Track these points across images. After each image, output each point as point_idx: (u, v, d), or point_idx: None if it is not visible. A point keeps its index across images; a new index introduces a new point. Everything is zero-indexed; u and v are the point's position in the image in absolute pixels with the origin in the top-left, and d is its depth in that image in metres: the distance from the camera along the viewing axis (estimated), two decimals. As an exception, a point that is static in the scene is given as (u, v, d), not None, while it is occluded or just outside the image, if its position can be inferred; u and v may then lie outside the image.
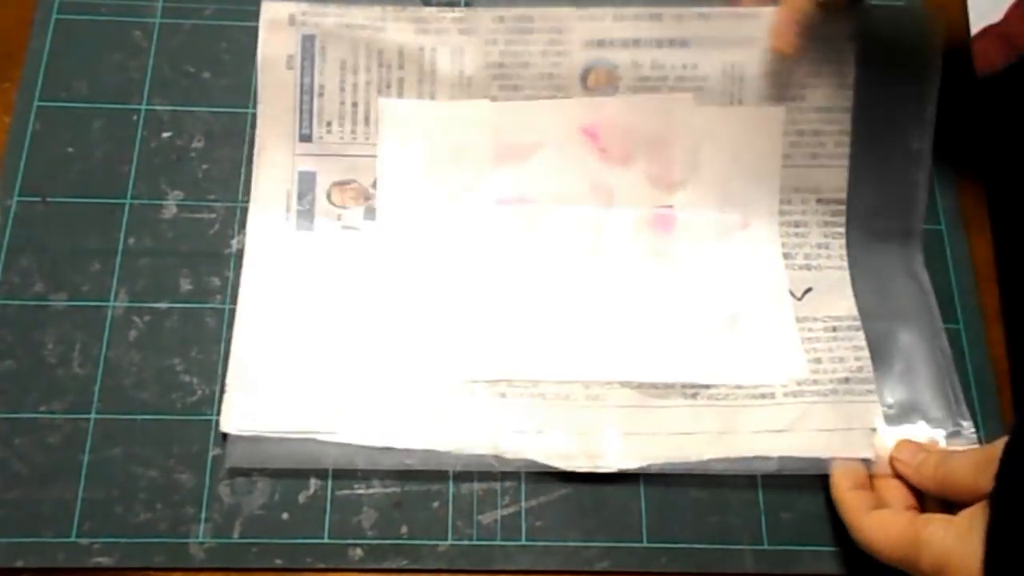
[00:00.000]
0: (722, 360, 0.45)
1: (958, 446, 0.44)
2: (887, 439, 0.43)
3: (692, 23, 0.47)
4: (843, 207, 0.48)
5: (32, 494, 0.42)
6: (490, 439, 0.43)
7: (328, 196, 0.47)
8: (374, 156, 0.47)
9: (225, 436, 0.43)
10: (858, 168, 0.48)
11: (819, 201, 0.48)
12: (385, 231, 0.47)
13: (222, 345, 0.45)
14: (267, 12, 0.47)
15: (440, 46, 0.47)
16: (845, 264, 0.48)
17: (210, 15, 0.51)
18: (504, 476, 0.44)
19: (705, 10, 0.47)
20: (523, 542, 0.43)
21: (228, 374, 0.44)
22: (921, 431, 0.44)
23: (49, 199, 0.47)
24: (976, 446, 0.44)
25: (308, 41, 0.47)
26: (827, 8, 0.45)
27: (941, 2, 0.54)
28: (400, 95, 0.47)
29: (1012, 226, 0.50)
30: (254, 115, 0.49)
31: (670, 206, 0.48)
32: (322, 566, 0.42)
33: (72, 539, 0.41)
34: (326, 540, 0.42)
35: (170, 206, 0.47)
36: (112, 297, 0.45)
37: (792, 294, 0.47)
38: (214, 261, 0.46)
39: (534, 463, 0.43)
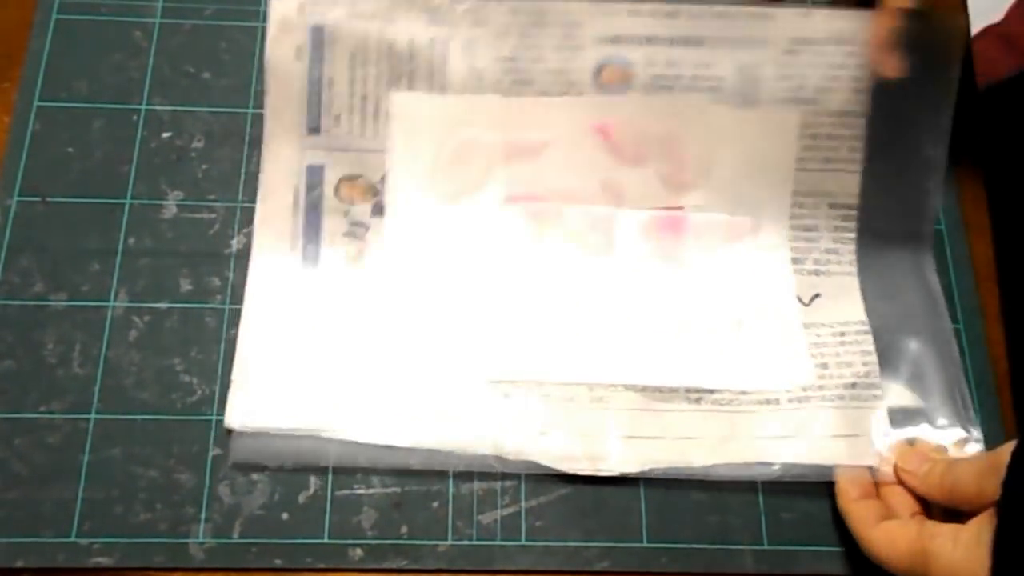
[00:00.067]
0: (727, 365, 0.45)
1: (965, 453, 0.43)
2: (893, 445, 0.43)
3: (708, 22, 0.46)
4: (854, 212, 0.47)
5: (32, 494, 0.42)
6: (492, 439, 0.43)
7: (336, 191, 0.47)
8: (383, 151, 0.47)
9: (229, 432, 0.43)
10: (871, 173, 0.47)
11: (831, 206, 0.48)
12: (392, 228, 0.47)
13: (222, 345, 0.45)
14: (276, 2, 0.46)
15: (451, 39, 0.46)
16: (855, 270, 0.47)
17: (210, 15, 0.51)
18: (504, 476, 0.43)
19: (722, 8, 0.46)
20: (523, 542, 0.43)
21: (233, 370, 0.44)
22: (928, 437, 0.44)
23: (49, 199, 0.47)
24: (982, 451, 0.43)
25: (317, 32, 0.46)
26: (924, 18, 0.44)
27: (941, 2, 0.54)
28: (410, 88, 0.47)
29: (1012, 226, 0.50)
30: (254, 115, 0.49)
31: (680, 207, 0.48)
32: (322, 566, 0.42)
33: (72, 539, 0.41)
34: (326, 540, 0.42)
35: (170, 206, 0.47)
36: (112, 297, 0.45)
37: (800, 299, 0.47)
38: (214, 261, 0.46)
39: (536, 464, 0.43)
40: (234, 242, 0.47)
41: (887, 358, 0.46)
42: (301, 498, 0.43)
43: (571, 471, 0.43)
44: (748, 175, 0.47)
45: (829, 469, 0.43)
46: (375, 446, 0.43)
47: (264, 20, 0.51)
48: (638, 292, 0.47)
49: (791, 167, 0.47)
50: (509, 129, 0.47)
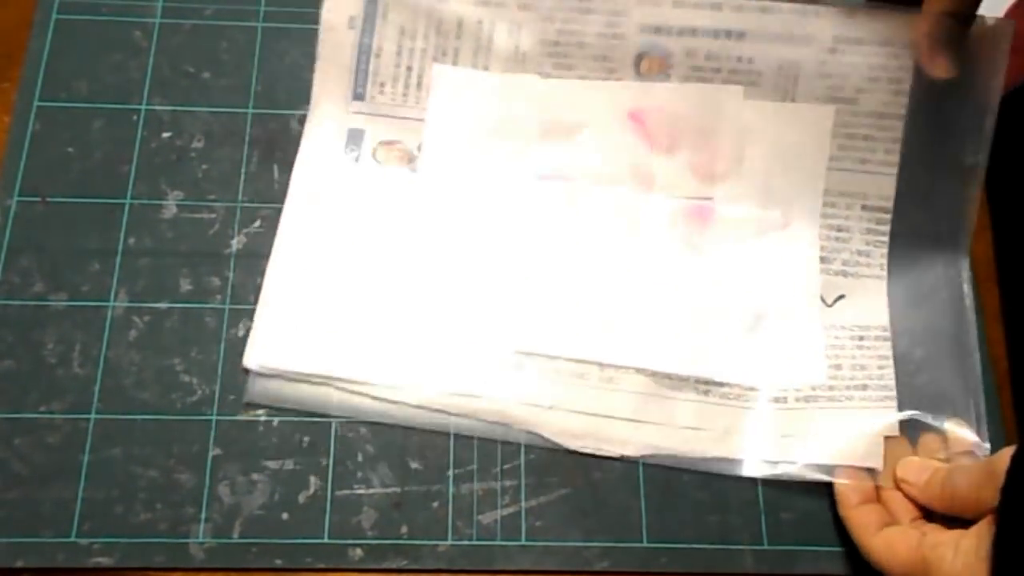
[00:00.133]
0: (741, 359, 0.45)
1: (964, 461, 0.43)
2: (895, 453, 0.43)
3: (751, 16, 0.46)
4: (888, 216, 0.47)
5: (32, 494, 0.42)
6: (500, 408, 0.44)
7: (373, 154, 0.48)
8: (422, 120, 0.48)
9: (246, 371, 0.44)
10: (908, 178, 0.47)
11: (864, 208, 0.47)
12: (426, 185, 0.47)
13: (222, 345, 0.45)
14: None
15: (499, 20, 0.48)
16: (884, 273, 0.47)
17: (210, 15, 0.51)
18: (504, 476, 0.44)
19: (766, 3, 0.46)
20: (523, 542, 0.43)
21: (256, 311, 0.45)
22: (934, 445, 0.43)
23: (49, 199, 0.47)
24: (980, 458, 0.43)
25: (372, 3, 0.48)
26: (968, 21, 0.43)
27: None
28: (455, 64, 0.48)
29: (1012, 226, 0.50)
30: (254, 115, 0.49)
31: (710, 198, 0.48)
32: (322, 566, 0.42)
33: (72, 539, 0.41)
34: (326, 540, 0.42)
35: (170, 206, 0.47)
36: (112, 297, 0.45)
37: (823, 300, 0.46)
38: (214, 261, 0.46)
39: (539, 437, 0.43)
40: (234, 242, 0.47)
41: (906, 364, 0.45)
42: (301, 498, 0.43)
43: (573, 448, 0.43)
44: (779, 170, 0.47)
45: (831, 470, 0.43)
46: (383, 400, 0.44)
47: (263, 20, 0.51)
48: (660, 278, 0.46)
49: (824, 165, 0.47)
50: (546, 109, 0.48)
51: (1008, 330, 0.48)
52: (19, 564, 0.41)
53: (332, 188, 0.47)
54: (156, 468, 0.43)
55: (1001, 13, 0.67)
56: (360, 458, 0.43)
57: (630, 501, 0.44)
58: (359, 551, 0.42)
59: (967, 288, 0.47)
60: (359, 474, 0.43)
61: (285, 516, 0.42)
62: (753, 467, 0.43)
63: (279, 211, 0.47)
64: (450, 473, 0.43)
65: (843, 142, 0.47)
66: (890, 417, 0.44)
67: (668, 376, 0.45)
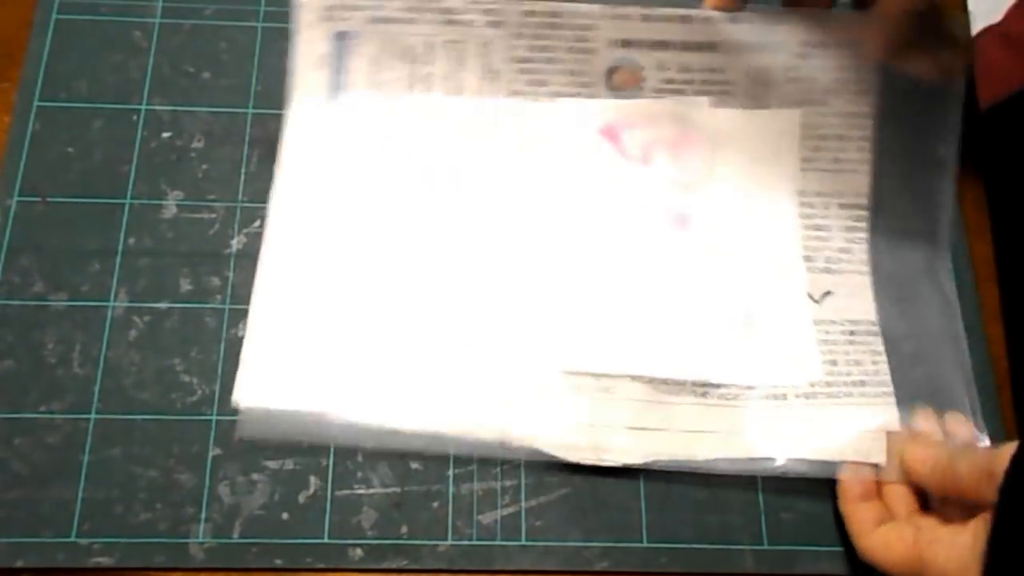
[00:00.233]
0: (735, 360, 0.45)
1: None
2: (898, 441, 0.43)
3: (721, 27, 0.47)
4: (866, 212, 0.48)
5: (32, 494, 0.42)
6: (497, 426, 0.43)
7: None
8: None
9: (236, 410, 0.43)
10: (882, 174, 0.48)
11: (841, 206, 0.48)
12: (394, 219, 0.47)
13: (222, 345, 0.45)
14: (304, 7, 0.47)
15: (469, 40, 0.48)
16: (867, 269, 0.47)
17: (210, 15, 0.51)
18: (504, 476, 0.44)
19: (735, 13, 0.47)
20: (523, 542, 0.43)
21: (243, 348, 0.44)
22: (934, 436, 0.43)
23: (49, 199, 0.47)
24: (985, 448, 0.43)
25: (340, 41, 0.47)
26: (930, 18, 0.44)
27: (941, 2, 0.53)
28: (428, 91, 0.48)
29: (1012, 226, 0.50)
30: (254, 115, 0.49)
31: (689, 207, 0.48)
32: (322, 566, 0.42)
33: (72, 539, 0.41)
34: (326, 540, 0.42)
35: (170, 206, 0.47)
36: (112, 297, 0.45)
37: (811, 296, 0.47)
38: (214, 261, 0.46)
39: (539, 452, 0.43)
40: (234, 242, 0.47)
41: (897, 359, 0.46)
42: (301, 498, 0.43)
43: (575, 461, 0.43)
44: (754, 175, 0.48)
45: (834, 466, 0.43)
46: (380, 429, 0.43)
47: (263, 20, 0.51)
48: (647, 287, 0.47)
49: (796, 166, 0.48)
50: (521, 128, 0.48)
51: (1008, 330, 0.48)
52: (19, 564, 0.41)
53: (317, 189, 0.47)
54: (156, 468, 0.43)
55: (1001, 13, 0.68)
56: (360, 458, 0.43)
57: (630, 501, 0.44)
58: (359, 551, 0.42)
59: (947, 280, 0.47)
60: (359, 474, 0.43)
61: (285, 516, 0.42)
62: (757, 466, 0.43)
63: (279, 211, 0.47)
64: (450, 473, 0.43)
65: (816, 143, 0.48)
66: (890, 412, 0.44)
67: (664, 381, 0.45)
